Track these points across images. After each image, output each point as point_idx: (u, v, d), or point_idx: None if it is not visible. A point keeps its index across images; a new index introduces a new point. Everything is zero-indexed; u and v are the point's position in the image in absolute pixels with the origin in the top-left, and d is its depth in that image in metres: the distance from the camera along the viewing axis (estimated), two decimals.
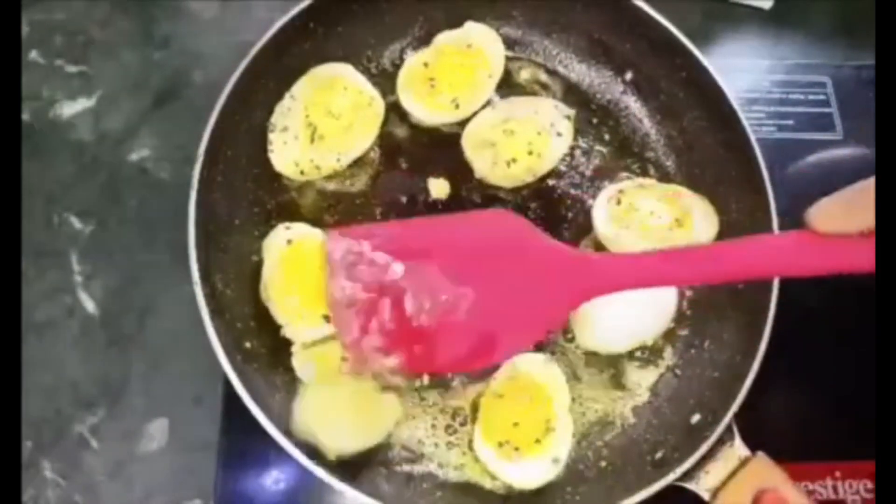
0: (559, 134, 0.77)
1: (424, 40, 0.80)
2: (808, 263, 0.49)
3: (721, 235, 0.73)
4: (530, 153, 0.75)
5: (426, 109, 0.77)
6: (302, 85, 0.74)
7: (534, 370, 0.68)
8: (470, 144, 0.76)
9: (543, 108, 0.78)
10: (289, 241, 0.68)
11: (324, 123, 0.73)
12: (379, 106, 0.76)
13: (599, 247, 0.75)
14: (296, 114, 0.73)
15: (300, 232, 0.69)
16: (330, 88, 0.74)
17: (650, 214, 0.72)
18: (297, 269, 0.67)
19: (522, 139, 0.75)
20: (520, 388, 0.67)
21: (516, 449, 0.65)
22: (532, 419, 0.66)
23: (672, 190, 0.75)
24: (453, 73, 0.77)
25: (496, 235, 0.55)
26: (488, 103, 0.78)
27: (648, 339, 0.72)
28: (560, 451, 0.66)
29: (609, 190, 0.76)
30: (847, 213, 0.46)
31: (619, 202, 0.73)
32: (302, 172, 0.73)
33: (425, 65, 0.78)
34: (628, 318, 0.71)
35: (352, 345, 0.54)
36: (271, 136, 0.73)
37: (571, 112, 0.78)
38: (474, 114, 0.78)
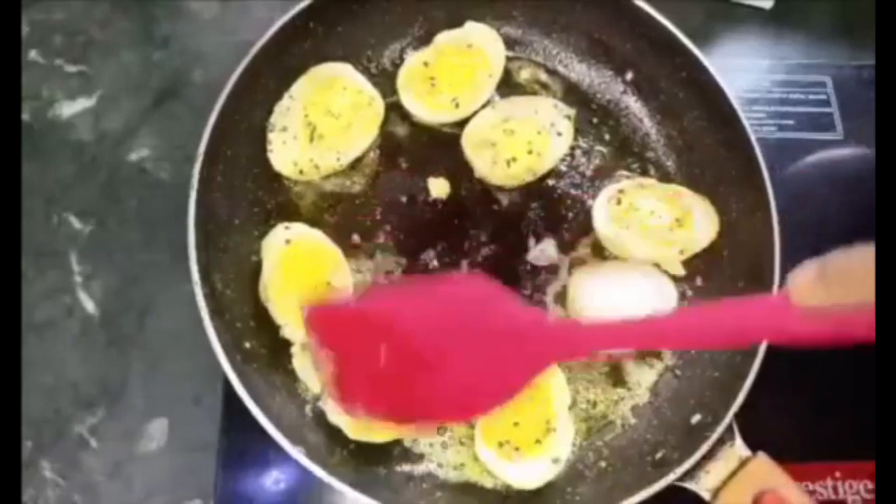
0: (559, 133, 0.77)
1: (424, 40, 0.80)
2: (789, 333, 0.46)
3: (721, 235, 0.73)
4: (530, 152, 0.75)
5: (426, 109, 0.77)
6: (301, 85, 0.74)
7: None
8: (470, 144, 0.76)
9: (543, 108, 0.78)
10: (287, 241, 0.68)
11: (323, 123, 0.73)
12: (379, 105, 0.76)
13: (599, 247, 0.75)
14: (295, 113, 0.73)
15: (299, 232, 0.69)
16: (329, 88, 0.74)
17: (650, 214, 0.72)
18: (296, 268, 0.67)
19: (522, 139, 0.75)
20: None
21: (517, 449, 0.65)
22: (532, 419, 0.66)
23: (672, 190, 0.75)
24: (453, 73, 0.77)
25: (467, 301, 0.55)
26: (488, 103, 0.78)
27: None
28: (560, 451, 0.66)
29: (609, 190, 0.75)
30: (820, 285, 0.43)
31: (619, 202, 0.73)
32: (301, 172, 0.73)
33: (425, 64, 0.77)
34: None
35: (337, 403, 0.57)
36: (270, 136, 0.73)
37: (571, 112, 0.78)
38: (474, 113, 0.78)
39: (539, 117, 0.77)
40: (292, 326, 0.67)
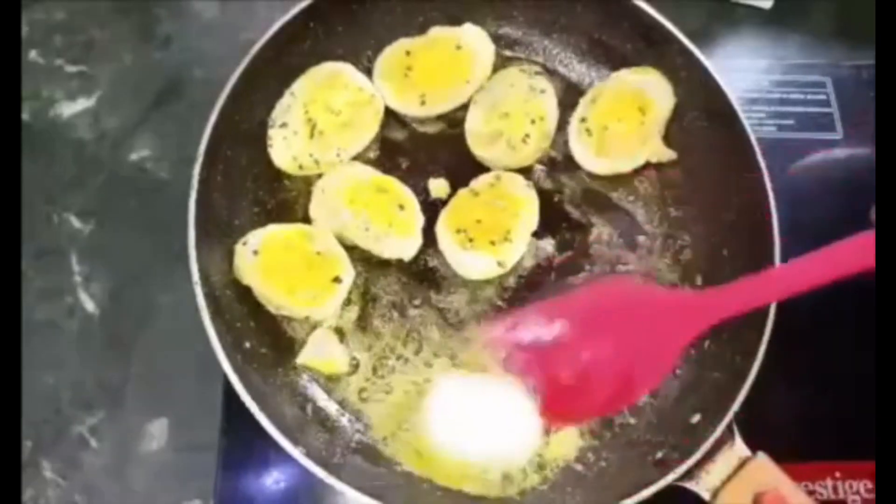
0: (542, 91, 0.77)
1: None
2: None
3: (722, 235, 0.73)
4: (533, 122, 0.75)
5: (395, 97, 0.77)
6: (302, 83, 0.75)
7: (516, 187, 0.73)
8: (480, 144, 0.76)
9: (515, 79, 0.78)
10: (255, 252, 0.67)
11: (323, 119, 0.73)
12: (378, 104, 0.76)
13: (595, 246, 0.74)
14: (295, 110, 0.73)
15: (258, 238, 0.68)
16: (330, 86, 0.74)
17: (619, 122, 0.75)
18: (279, 267, 0.67)
19: (520, 113, 0.75)
20: (497, 195, 0.72)
21: (471, 240, 0.70)
22: (495, 223, 0.71)
23: (629, 90, 0.77)
24: (431, 69, 0.77)
25: (621, 296, 0.63)
26: (467, 105, 0.78)
27: None
28: (507, 259, 0.71)
29: (574, 127, 0.78)
30: None
31: (589, 133, 0.76)
32: (301, 167, 0.73)
33: (407, 53, 0.77)
34: None
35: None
36: (271, 132, 0.73)
37: (537, 67, 0.80)
38: (450, 111, 0.78)
39: (516, 89, 0.77)
40: (315, 309, 0.68)
